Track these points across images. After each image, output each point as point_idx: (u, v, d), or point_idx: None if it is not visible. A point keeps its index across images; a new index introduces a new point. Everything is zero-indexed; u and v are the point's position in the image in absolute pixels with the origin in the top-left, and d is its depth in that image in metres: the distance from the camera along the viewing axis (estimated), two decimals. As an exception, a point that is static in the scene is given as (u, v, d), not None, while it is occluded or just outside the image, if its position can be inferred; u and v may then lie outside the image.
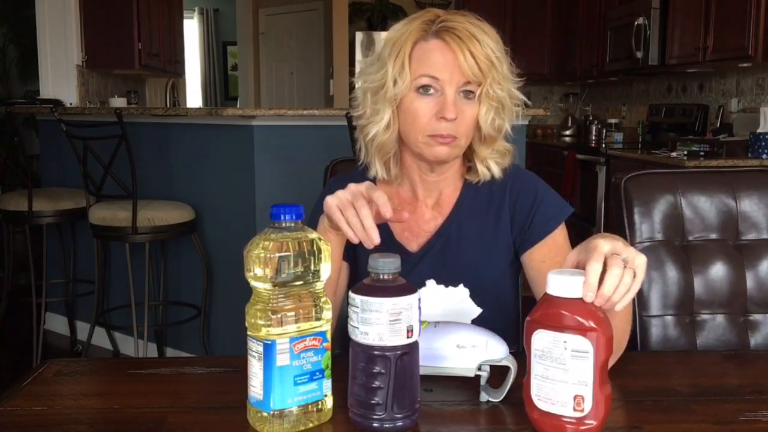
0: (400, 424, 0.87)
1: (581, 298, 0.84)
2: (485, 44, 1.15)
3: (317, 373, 0.89)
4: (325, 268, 0.89)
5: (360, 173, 1.30)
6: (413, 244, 1.27)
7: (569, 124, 6.61)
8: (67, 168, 3.62)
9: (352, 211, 1.02)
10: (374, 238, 1.00)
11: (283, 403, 0.87)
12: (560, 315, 0.84)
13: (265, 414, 0.87)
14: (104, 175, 3.03)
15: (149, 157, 3.34)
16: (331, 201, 1.04)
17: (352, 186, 1.04)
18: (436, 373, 0.98)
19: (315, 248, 0.88)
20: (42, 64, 4.72)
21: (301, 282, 0.87)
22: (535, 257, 1.25)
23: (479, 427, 0.92)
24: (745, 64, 4.02)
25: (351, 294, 0.88)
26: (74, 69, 4.74)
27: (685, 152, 3.92)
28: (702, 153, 3.90)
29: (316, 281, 0.89)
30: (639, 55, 4.68)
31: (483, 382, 0.97)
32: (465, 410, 0.95)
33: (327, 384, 0.90)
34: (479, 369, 0.97)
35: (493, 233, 1.27)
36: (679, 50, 4.37)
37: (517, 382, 0.92)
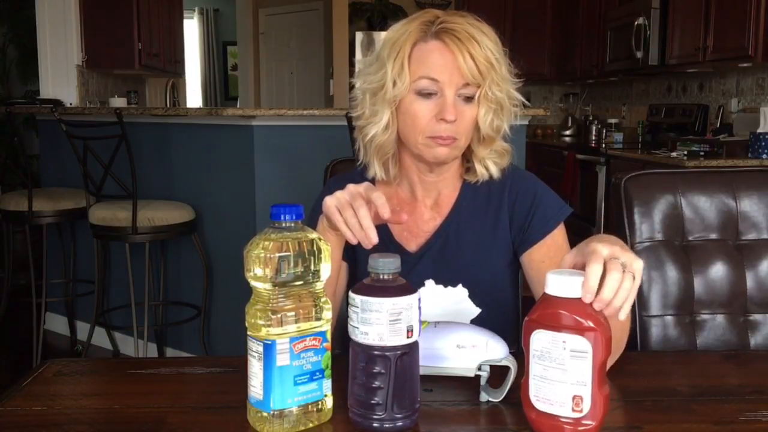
0: (400, 424, 0.87)
1: (580, 298, 0.84)
2: (484, 46, 1.15)
3: (317, 373, 0.89)
4: (325, 268, 0.89)
5: (359, 173, 1.30)
6: (412, 244, 1.27)
7: (569, 124, 6.62)
8: (67, 168, 3.62)
9: (351, 212, 1.02)
10: (372, 237, 1.00)
11: (283, 403, 0.87)
12: (559, 315, 0.84)
13: (265, 414, 0.87)
14: (104, 175, 3.03)
15: (149, 157, 3.34)
16: (330, 202, 1.04)
17: (350, 186, 1.04)
18: (436, 373, 0.99)
19: (315, 248, 0.88)
20: (42, 64, 4.72)
21: (301, 282, 0.87)
22: (534, 257, 1.25)
23: (479, 427, 0.93)
24: (745, 64, 4.02)
25: (351, 294, 0.88)
26: (74, 69, 4.74)
27: (685, 152, 3.92)
28: (702, 153, 3.90)
29: (316, 281, 0.89)
30: (639, 55, 4.68)
31: (483, 382, 0.97)
32: (465, 410, 0.95)
33: (327, 384, 0.90)
34: (479, 369, 0.97)
35: (492, 233, 1.27)
36: (679, 50, 4.37)
37: (517, 382, 0.92)
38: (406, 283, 0.88)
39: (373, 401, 0.87)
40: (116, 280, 3.52)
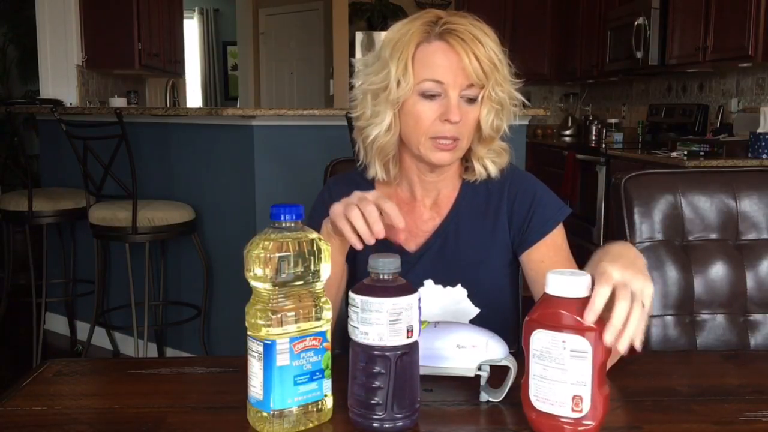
0: (400, 424, 0.87)
1: (580, 298, 0.84)
2: (488, 46, 1.15)
3: (317, 373, 0.89)
4: (325, 268, 0.89)
5: (359, 173, 1.30)
6: (411, 244, 1.27)
7: (569, 124, 6.61)
8: (67, 168, 3.62)
9: (357, 212, 1.02)
10: (379, 231, 1.01)
11: (283, 403, 0.87)
12: (559, 315, 0.84)
13: (265, 414, 0.87)
14: (104, 175, 3.03)
15: (149, 157, 3.35)
16: (337, 207, 1.05)
17: (358, 193, 1.05)
18: (436, 373, 0.99)
19: (315, 248, 0.88)
20: (42, 64, 4.72)
21: (301, 282, 0.87)
22: (533, 257, 1.25)
23: (479, 427, 0.93)
24: (745, 64, 4.02)
25: (351, 294, 0.88)
26: (74, 69, 4.74)
27: (685, 152, 3.92)
28: (702, 153, 3.90)
29: (316, 281, 0.89)
30: (639, 55, 4.68)
31: (483, 382, 0.97)
32: (465, 410, 0.95)
33: (327, 384, 0.90)
34: (479, 369, 0.97)
35: (491, 233, 1.27)
36: (679, 50, 4.37)
37: (517, 382, 0.92)
38: (406, 283, 0.88)
39: (373, 401, 0.87)
40: (116, 280, 3.53)
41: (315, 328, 0.89)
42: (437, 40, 1.16)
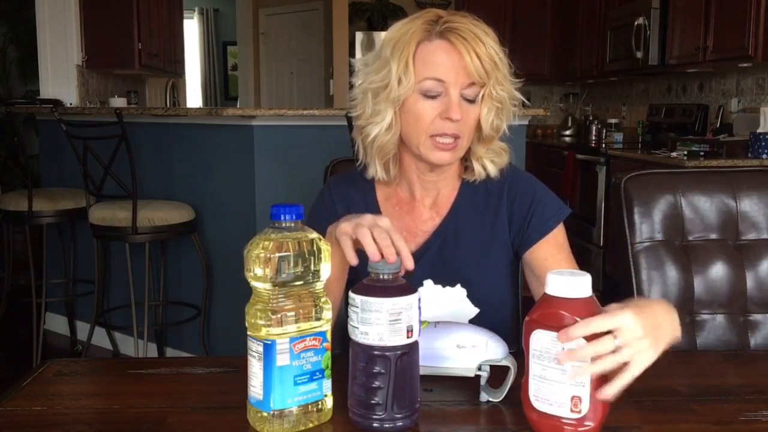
0: (400, 424, 0.87)
1: (580, 299, 0.84)
2: (489, 45, 1.15)
3: (317, 373, 0.89)
4: (325, 268, 0.89)
5: (359, 173, 1.30)
6: (411, 244, 1.27)
7: (569, 124, 6.61)
8: (67, 168, 3.62)
9: (369, 239, 0.98)
10: (390, 255, 0.95)
11: (283, 403, 0.87)
12: (559, 315, 0.84)
13: (265, 414, 0.87)
14: (104, 175, 3.03)
15: (149, 157, 3.34)
16: (346, 227, 1.02)
17: (370, 217, 1.02)
18: (436, 373, 0.99)
19: (315, 248, 0.88)
20: (42, 64, 4.72)
21: (301, 282, 0.87)
22: (533, 258, 1.25)
23: (479, 427, 0.93)
24: (745, 64, 4.02)
25: (351, 294, 0.88)
26: (74, 69, 4.74)
27: (685, 152, 3.92)
28: (702, 153, 3.90)
29: (316, 281, 0.89)
30: (639, 55, 4.68)
31: (483, 382, 0.97)
32: (465, 410, 0.95)
33: (327, 384, 0.90)
34: (479, 369, 0.97)
35: (491, 233, 1.27)
36: (679, 50, 4.37)
37: (517, 382, 0.92)
38: (406, 283, 0.88)
39: (373, 401, 0.87)
40: (116, 280, 3.53)
41: (315, 328, 0.89)
42: (438, 38, 1.16)
